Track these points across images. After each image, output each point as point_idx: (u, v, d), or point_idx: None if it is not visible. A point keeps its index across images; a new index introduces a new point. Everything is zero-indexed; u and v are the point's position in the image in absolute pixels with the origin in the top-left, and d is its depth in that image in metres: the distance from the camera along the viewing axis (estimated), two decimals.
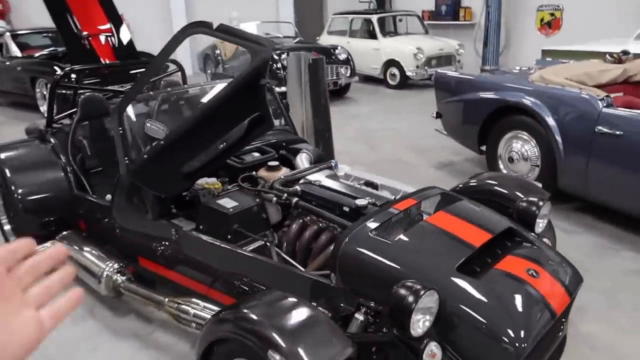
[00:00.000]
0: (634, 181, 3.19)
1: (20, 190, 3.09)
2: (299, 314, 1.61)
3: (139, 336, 2.58)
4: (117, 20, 8.28)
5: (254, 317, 1.59)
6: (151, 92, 3.01)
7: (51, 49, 8.74)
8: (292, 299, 1.68)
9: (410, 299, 1.56)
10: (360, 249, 1.88)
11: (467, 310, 1.68)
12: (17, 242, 0.57)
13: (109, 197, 2.83)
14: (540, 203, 2.24)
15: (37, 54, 8.46)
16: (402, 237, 1.93)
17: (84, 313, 2.79)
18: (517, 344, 1.64)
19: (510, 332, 1.65)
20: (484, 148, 4.41)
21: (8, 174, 3.11)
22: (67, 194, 3.16)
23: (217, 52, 10.05)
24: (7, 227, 3.52)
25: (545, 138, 3.74)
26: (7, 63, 8.46)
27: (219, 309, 2.01)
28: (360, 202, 2.22)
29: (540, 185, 2.72)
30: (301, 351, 1.47)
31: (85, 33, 7.83)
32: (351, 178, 2.67)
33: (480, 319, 1.67)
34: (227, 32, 2.42)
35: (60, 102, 3.95)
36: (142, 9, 11.06)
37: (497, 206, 2.31)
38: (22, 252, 0.57)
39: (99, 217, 2.94)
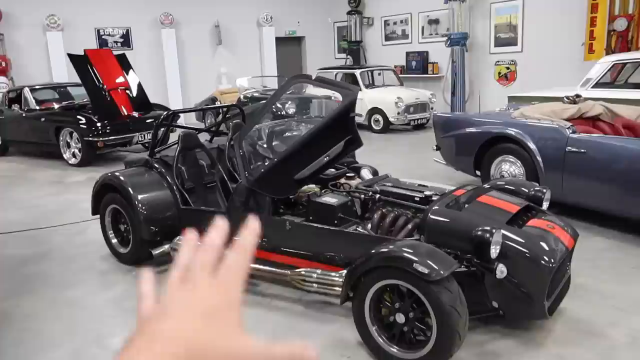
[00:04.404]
0: (597, 184, 4.38)
1: (141, 205, 3.94)
2: (423, 247, 2.60)
3: (261, 305, 3.44)
4: (132, 75, 9.29)
5: (398, 250, 2.56)
6: (257, 126, 3.98)
7: (69, 101, 9.54)
8: (414, 241, 2.67)
9: (488, 235, 2.58)
10: (441, 217, 2.90)
11: (517, 246, 2.71)
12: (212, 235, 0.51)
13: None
14: (545, 190, 3.35)
15: (57, 106, 9.23)
16: (466, 208, 2.97)
17: None
18: (549, 264, 2.67)
19: (545, 256, 2.68)
20: (478, 172, 5.57)
21: (131, 192, 3.96)
22: (174, 207, 4.03)
23: (217, 103, 11.10)
24: (114, 241, 4.32)
25: (528, 159, 4.93)
26: (25, 115, 9.17)
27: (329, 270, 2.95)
28: (428, 192, 3.25)
29: (537, 184, 3.84)
30: (432, 263, 2.44)
31: (105, 87, 8.80)
32: (407, 182, 3.70)
33: (525, 250, 2.70)
34: (322, 81, 3.48)
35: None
36: (140, 64, 12.03)
37: (515, 194, 3.40)
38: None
39: (212, 223, 3.80)
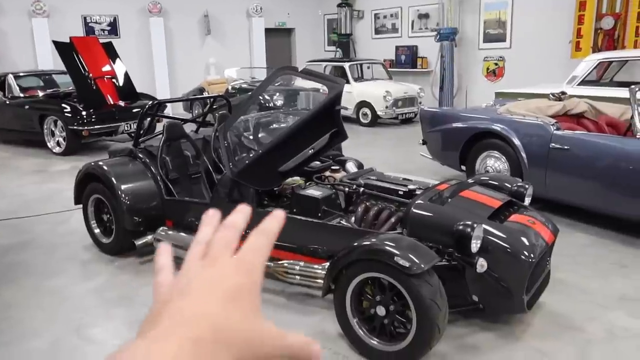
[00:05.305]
0: (580, 181, 4.43)
1: (124, 195, 3.90)
2: (404, 240, 2.61)
3: None
4: (118, 64, 9.18)
5: (380, 243, 2.57)
6: (242, 117, 3.95)
7: (54, 89, 9.40)
8: (396, 234, 2.68)
9: (469, 229, 2.60)
10: (424, 211, 2.91)
11: (497, 240, 2.74)
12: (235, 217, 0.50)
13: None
14: (527, 186, 3.38)
15: (41, 94, 9.09)
16: (448, 203, 2.98)
17: None
18: (529, 259, 2.70)
19: (525, 251, 2.71)
20: (463, 167, 5.61)
21: (114, 181, 3.92)
22: (158, 198, 4.00)
23: (205, 94, 11.01)
24: (97, 231, 4.28)
25: (513, 155, 4.97)
26: (8, 103, 9.01)
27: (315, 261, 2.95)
28: (412, 186, 3.27)
29: (520, 180, 3.87)
30: (413, 257, 2.46)
31: (91, 75, 8.68)
32: (392, 176, 3.71)
33: (506, 245, 2.73)
34: (309, 74, 3.47)
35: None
36: (127, 53, 11.86)
37: (498, 189, 3.42)
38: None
39: (196, 214, 3.79)
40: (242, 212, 0.51)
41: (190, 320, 0.41)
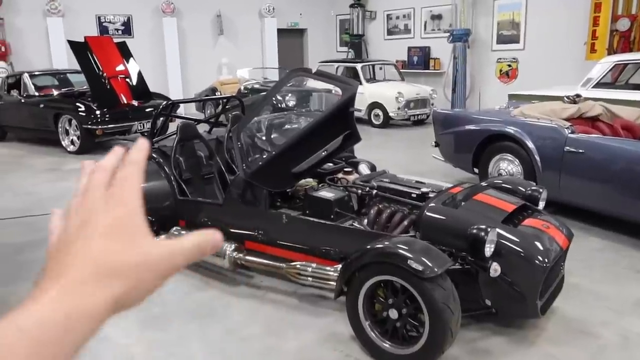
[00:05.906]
0: (594, 185, 4.39)
1: None
2: (418, 244, 2.61)
3: (256, 297, 3.45)
4: (132, 64, 9.25)
5: (393, 246, 2.57)
6: (256, 118, 3.97)
7: (68, 88, 9.50)
8: (409, 237, 2.68)
9: (483, 233, 2.59)
10: (437, 214, 2.91)
11: (511, 245, 2.72)
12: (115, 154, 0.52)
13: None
14: (541, 190, 3.36)
15: (56, 93, 9.20)
16: (462, 206, 2.97)
17: (202, 285, 3.64)
18: (543, 264, 2.68)
19: (539, 256, 2.69)
20: (476, 170, 5.57)
21: None
22: (172, 198, 4.03)
23: (217, 94, 11.07)
24: None
25: (526, 158, 4.93)
26: (24, 101, 9.13)
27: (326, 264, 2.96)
28: (425, 189, 3.26)
29: (534, 183, 3.84)
30: (426, 260, 2.45)
31: (105, 74, 8.76)
32: (404, 179, 3.70)
33: (520, 249, 2.71)
34: (322, 75, 3.48)
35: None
36: (141, 53, 11.94)
37: (511, 193, 3.40)
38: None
39: (209, 214, 3.81)
40: (114, 153, 0.53)
41: (69, 267, 0.44)
